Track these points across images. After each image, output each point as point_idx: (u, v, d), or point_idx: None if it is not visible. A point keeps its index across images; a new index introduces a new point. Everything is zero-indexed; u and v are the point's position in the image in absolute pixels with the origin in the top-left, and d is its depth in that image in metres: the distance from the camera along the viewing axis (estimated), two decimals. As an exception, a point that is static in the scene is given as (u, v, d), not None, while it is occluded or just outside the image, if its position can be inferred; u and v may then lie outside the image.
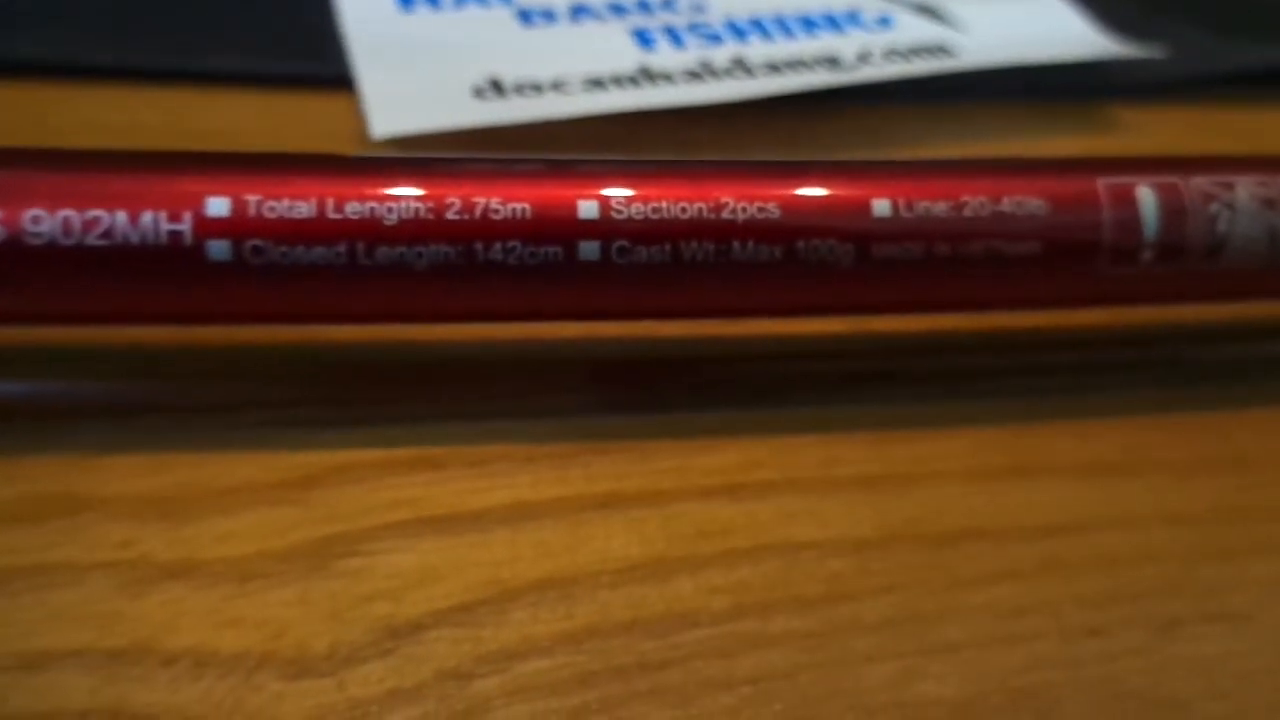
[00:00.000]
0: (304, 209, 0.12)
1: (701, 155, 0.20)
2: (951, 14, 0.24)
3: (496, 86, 0.20)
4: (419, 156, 0.14)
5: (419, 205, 0.13)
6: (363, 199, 0.12)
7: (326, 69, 0.21)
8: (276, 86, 0.20)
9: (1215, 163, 0.16)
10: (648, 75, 0.21)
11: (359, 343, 0.15)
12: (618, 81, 0.21)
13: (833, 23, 0.23)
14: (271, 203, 0.12)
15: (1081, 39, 0.23)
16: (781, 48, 0.22)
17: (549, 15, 0.23)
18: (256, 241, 0.12)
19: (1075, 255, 0.15)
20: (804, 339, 0.16)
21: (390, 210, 0.12)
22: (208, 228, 0.12)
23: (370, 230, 0.12)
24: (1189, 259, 0.15)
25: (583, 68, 0.21)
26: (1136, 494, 0.15)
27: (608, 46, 0.22)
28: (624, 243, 0.13)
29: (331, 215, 0.12)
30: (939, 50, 0.22)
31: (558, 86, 0.21)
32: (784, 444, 0.15)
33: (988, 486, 0.15)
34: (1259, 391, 0.17)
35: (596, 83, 0.21)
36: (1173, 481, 0.16)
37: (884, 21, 0.23)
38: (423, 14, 0.23)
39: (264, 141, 0.19)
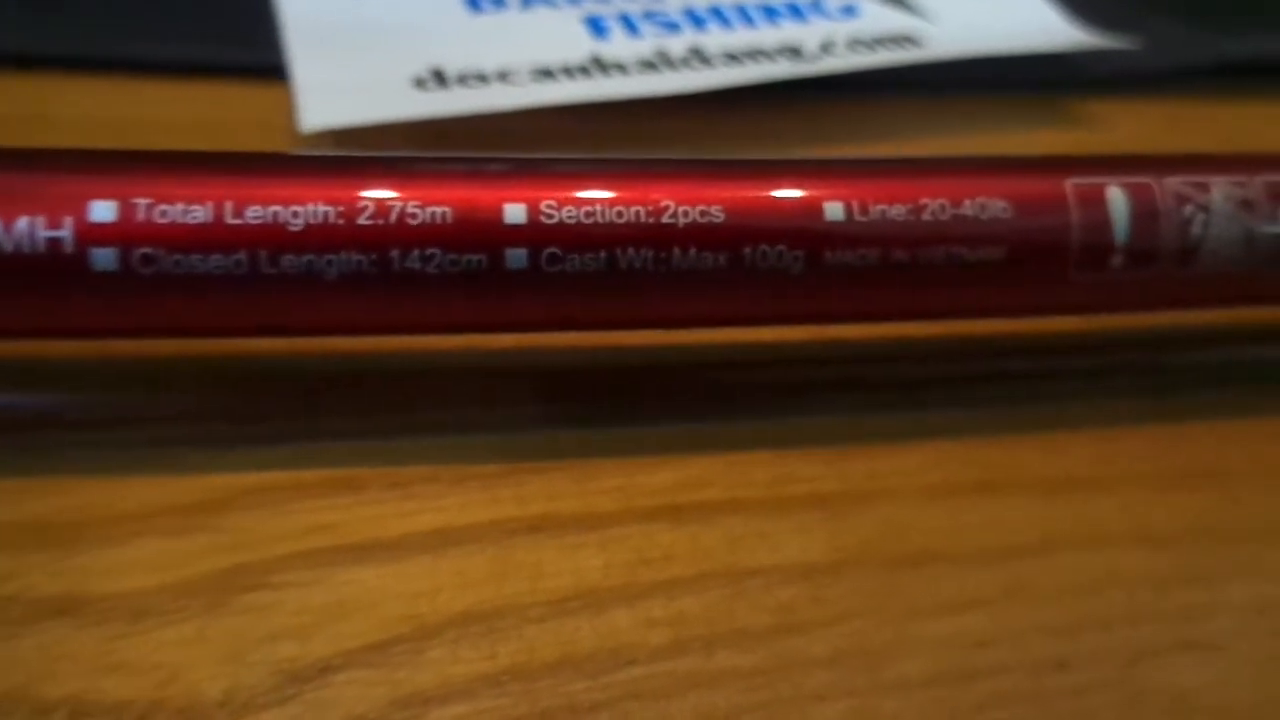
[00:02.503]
0: (199, 213, 0.11)
1: (656, 150, 0.19)
2: (919, 3, 0.23)
3: (439, 76, 0.19)
4: (329, 155, 0.12)
5: (328, 209, 0.12)
6: (265, 202, 0.11)
7: (261, 57, 0.19)
8: (209, 75, 0.19)
9: (1190, 162, 0.15)
10: (600, 65, 0.20)
11: (272, 352, 0.14)
12: (568, 72, 0.20)
13: (796, 11, 0.22)
14: (163, 206, 0.11)
15: (1053, 30, 0.22)
16: (741, 36, 0.21)
17: (499, 2, 0.22)
18: (146, 249, 0.11)
19: (1042, 260, 0.14)
20: (755, 346, 0.15)
21: (296, 215, 0.11)
22: (91, 234, 0.11)
23: (273, 237, 0.11)
24: (1162, 264, 0.14)
25: (531, 57, 0.20)
26: (1107, 512, 0.14)
27: (559, 35, 0.21)
28: (554, 250, 0.12)
29: (230, 220, 0.11)
30: (905, 40, 0.21)
31: (504, 77, 0.19)
32: (733, 460, 0.14)
33: (950, 504, 0.14)
34: (1236, 400, 0.16)
35: (545, 73, 0.20)
36: (1146, 497, 0.15)
37: (849, 10, 0.22)
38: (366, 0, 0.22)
39: (190, 134, 0.18)
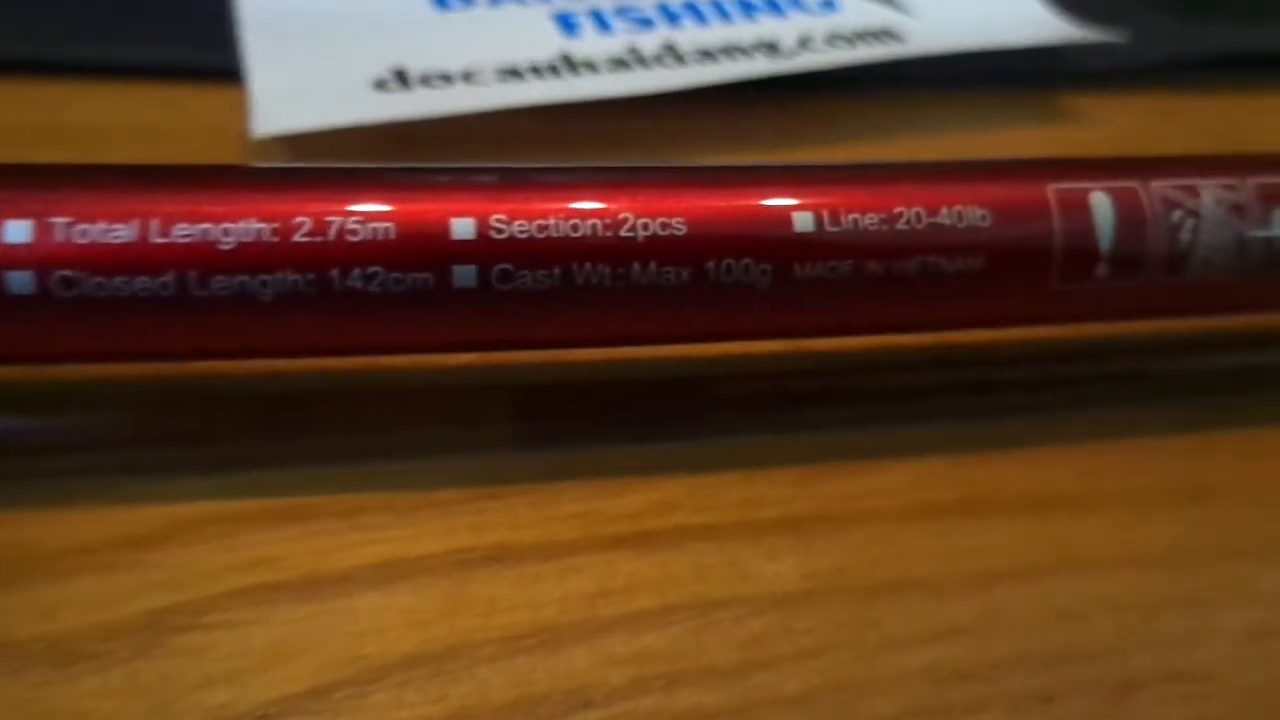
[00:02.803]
0: (123, 233, 0.11)
1: (627, 151, 0.19)
2: (899, -4, 0.22)
3: (400, 77, 0.19)
4: (264, 167, 0.12)
5: (261, 226, 0.11)
6: (194, 220, 0.11)
7: (216, 58, 0.19)
8: (159, 78, 0.19)
9: (1178, 164, 0.14)
10: (569, 64, 0.19)
11: (217, 372, 0.13)
12: (536, 71, 0.19)
13: (773, 5, 0.22)
14: (83, 225, 0.10)
15: (1038, 23, 0.21)
16: (716, 32, 0.21)
17: (466, -1, 0.21)
18: (66, 272, 0.10)
19: (1023, 270, 0.13)
20: (722, 359, 0.15)
21: (227, 233, 0.11)
22: (5, 257, 0.10)
23: (203, 257, 0.11)
24: (1149, 272, 0.13)
25: (498, 56, 0.19)
26: (1092, 532, 0.14)
27: (528, 33, 0.20)
28: (506, 266, 0.11)
29: (156, 239, 0.11)
30: (886, 35, 0.21)
31: (469, 77, 0.19)
32: (701, 482, 0.13)
33: (928, 526, 0.14)
34: (1228, 409, 0.16)
35: (512, 72, 0.19)
36: (1132, 516, 0.14)
37: (828, 4, 0.22)
38: (328, -3, 0.21)
39: (135, 141, 0.17)
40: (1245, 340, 0.17)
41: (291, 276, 0.11)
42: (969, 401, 0.15)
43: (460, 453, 0.13)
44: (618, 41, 0.20)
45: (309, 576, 0.12)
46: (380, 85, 0.18)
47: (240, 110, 0.17)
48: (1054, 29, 0.21)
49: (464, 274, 0.11)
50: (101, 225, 0.11)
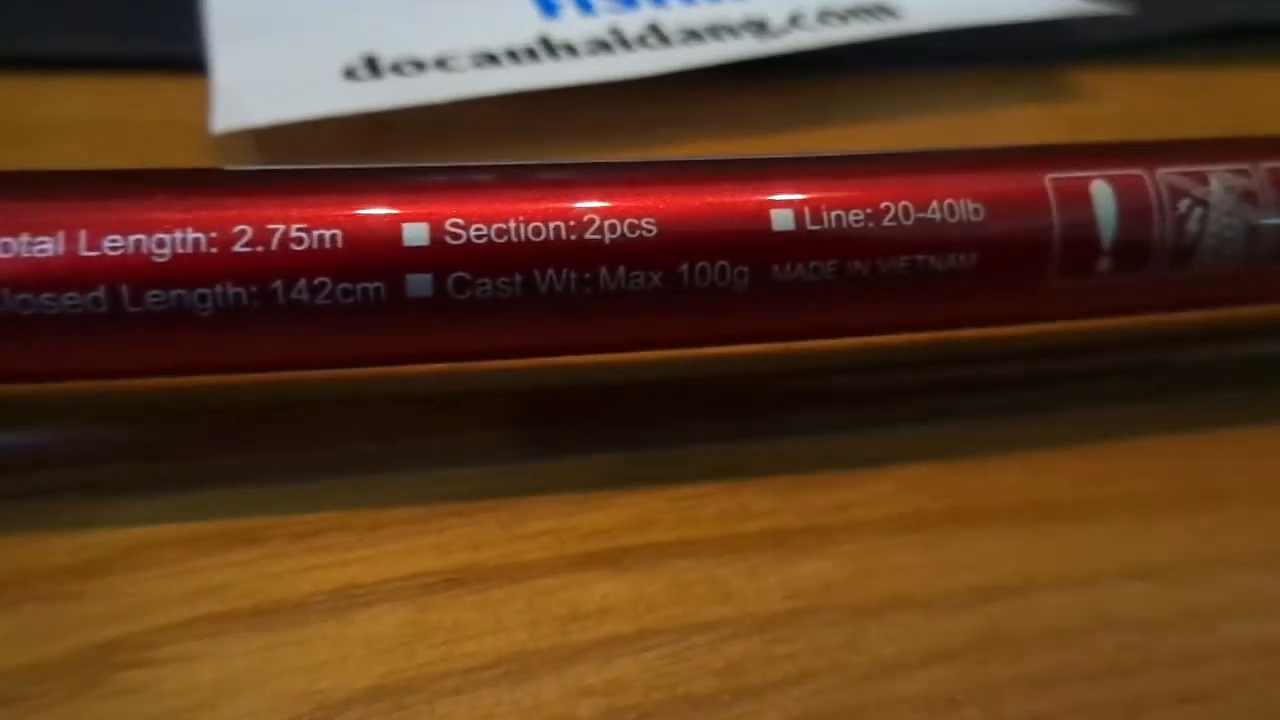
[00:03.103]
0: (48, 246, 0.10)
1: (612, 139, 0.18)
2: (895, -31, 0.21)
3: (371, 65, 0.18)
4: (201, 171, 0.11)
5: (199, 236, 0.10)
6: (125, 230, 0.10)
7: (185, 48, 0.18)
8: (121, 70, 0.18)
9: (1185, 148, 0.13)
10: (548, 47, 0.18)
11: (159, 385, 0.13)
12: (513, 55, 0.18)
13: (762, -19, 0.21)
14: (5, 239, 0.10)
15: (1039, -5, 0.20)
16: (703, 11, 0.20)
17: (444, -22, 0.20)
18: (-14, 289, 0.10)
19: (1019, 267, 0.12)
20: (699, 360, 0.14)
21: (161, 244, 0.10)
22: (-80, 274, 0.10)
23: (137, 270, 0.10)
24: (1154, 266, 0.13)
25: (474, 40, 0.19)
26: (1093, 541, 0.13)
27: (506, 14, 0.19)
28: (463, 274, 0.11)
29: (85, 253, 0.10)
30: (881, 10, 0.20)
31: (443, 63, 0.18)
32: (679, 495, 0.13)
33: (919, 538, 0.13)
34: (1236, 405, 0.15)
35: (489, 57, 0.18)
36: (1135, 524, 0.13)
37: (820, -22, 0.21)
38: (301, -20, 0.20)
39: (92, 136, 0.17)
40: (1255, 330, 0.16)
41: (232, 290, 0.10)
42: (962, 400, 0.15)
43: (424, 466, 0.13)
44: (599, 22, 0.19)
45: (261, 605, 0.11)
46: (350, 74, 0.18)
47: (204, 103, 0.17)
48: (1058, 2, 0.20)
49: (418, 283, 0.11)
50: (25, 238, 0.10)
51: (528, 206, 0.11)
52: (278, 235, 0.10)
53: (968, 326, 0.13)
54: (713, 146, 0.18)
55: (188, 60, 0.18)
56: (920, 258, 0.12)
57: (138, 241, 0.10)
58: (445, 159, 0.17)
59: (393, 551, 0.12)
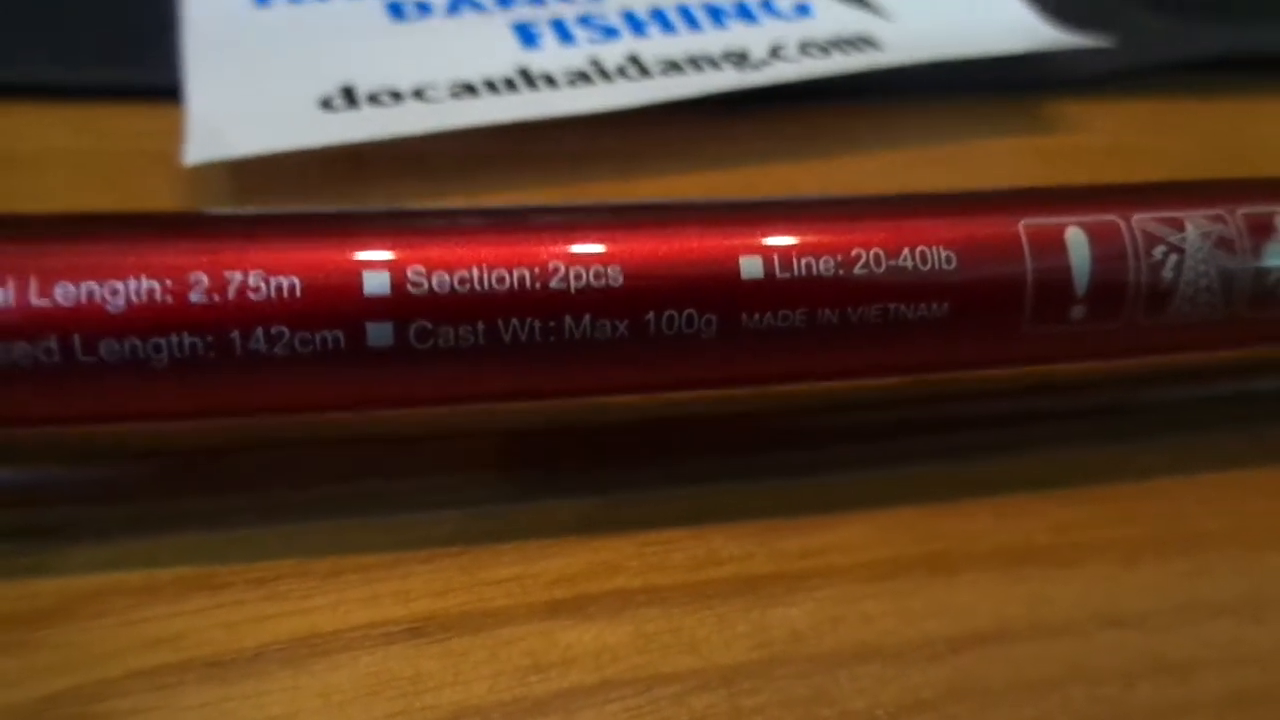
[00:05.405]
0: (-2, 295, 0.10)
1: (590, 171, 0.18)
2: (878, 0, 0.21)
3: (348, 95, 0.18)
4: (157, 214, 0.11)
5: (153, 285, 0.10)
6: (77, 278, 0.10)
7: (163, 75, 0.18)
8: (97, 99, 0.18)
9: (1161, 193, 0.13)
10: (527, 78, 0.18)
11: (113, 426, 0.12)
12: (491, 86, 0.18)
13: (745, 11, 0.21)
14: (-47, 289, 0.10)
15: (1023, 28, 0.20)
16: (684, 41, 0.20)
17: (424, 7, 0.20)
18: (-66, 340, 0.10)
19: (992, 315, 0.12)
20: (668, 402, 0.14)
21: (115, 293, 0.10)
22: None
23: (90, 320, 0.10)
24: (1129, 313, 0.13)
25: (452, 71, 0.18)
26: (1069, 589, 0.13)
27: (484, 44, 0.19)
28: (425, 323, 0.11)
29: (36, 301, 0.10)
30: (862, 42, 0.20)
31: (420, 94, 0.18)
32: (650, 539, 0.13)
33: (891, 585, 0.13)
34: (1218, 447, 0.15)
35: (467, 88, 0.18)
36: (1112, 571, 0.13)
37: (802, 9, 0.21)
38: (280, 9, 0.20)
39: (63, 167, 0.16)
40: (1232, 370, 0.16)
41: (189, 339, 0.10)
42: (938, 440, 0.15)
43: (388, 510, 0.12)
44: (578, 53, 0.19)
45: (216, 656, 0.11)
46: (326, 104, 0.17)
47: (178, 133, 0.16)
48: (1039, 35, 0.20)
49: (379, 332, 0.10)
50: (-27, 287, 0.10)
51: (491, 253, 0.11)
52: (234, 284, 0.10)
53: (939, 371, 0.13)
54: (693, 178, 0.18)
55: (164, 89, 0.18)
56: (892, 306, 0.12)
57: (90, 290, 0.10)
58: (423, 189, 0.17)
59: (354, 599, 0.12)
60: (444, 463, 0.13)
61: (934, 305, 0.12)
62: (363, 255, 0.10)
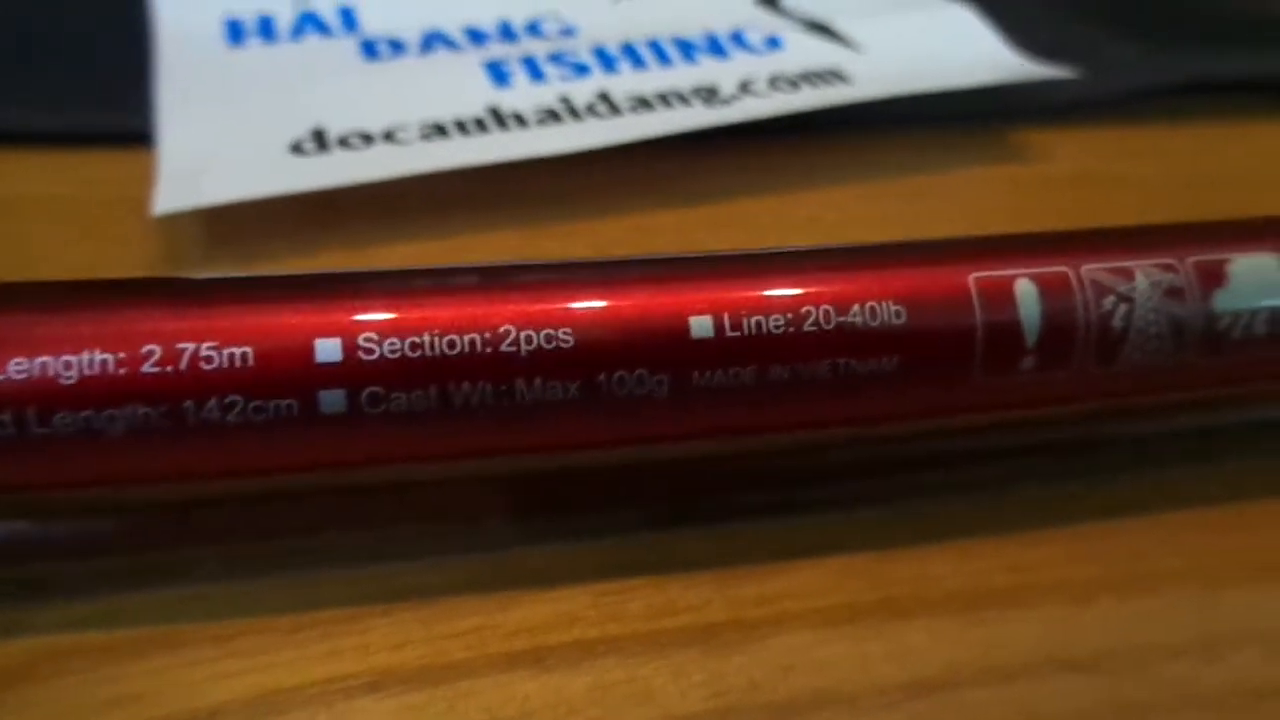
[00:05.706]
0: (-48, 371, 0.10)
1: (561, 210, 0.18)
2: (847, 32, 0.21)
3: (319, 139, 0.18)
4: (110, 282, 0.11)
5: (106, 358, 0.10)
6: (30, 354, 0.10)
7: (136, 121, 0.18)
8: (70, 145, 0.18)
9: (1110, 242, 0.13)
10: (497, 118, 0.19)
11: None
12: (461, 126, 0.18)
13: (715, 46, 0.21)
14: (-94, 365, 0.10)
15: (992, 61, 0.21)
16: (654, 78, 0.20)
17: (397, 46, 0.20)
18: (-112, 417, 0.10)
19: (942, 368, 0.12)
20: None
21: (68, 366, 0.10)
22: None
23: (42, 393, 0.10)
24: (1079, 363, 0.13)
25: (423, 111, 0.19)
26: (1024, 631, 0.13)
27: (455, 83, 0.19)
28: (377, 389, 0.11)
29: (-11, 377, 0.10)
30: (832, 76, 0.20)
31: (390, 136, 0.18)
32: (605, 589, 0.13)
33: (849, 631, 0.13)
34: (1174, 486, 0.15)
35: (438, 129, 0.18)
36: (1068, 612, 0.13)
37: (772, 42, 0.21)
38: (254, 50, 0.20)
39: (32, 214, 0.17)
40: (1194, 406, 0.16)
41: (142, 410, 0.10)
42: (894, 482, 0.15)
43: (348, 563, 0.13)
44: (549, 91, 0.19)
45: (173, 715, 0.11)
46: (297, 148, 0.18)
47: (149, 181, 0.17)
48: (1008, 68, 0.20)
49: (331, 399, 0.11)
50: (-73, 364, 0.10)
51: (443, 317, 0.11)
52: (187, 354, 0.10)
53: (891, 423, 0.13)
54: (663, 215, 0.18)
55: (138, 134, 0.18)
56: (842, 361, 0.12)
57: (43, 365, 0.10)
58: (395, 232, 0.17)
59: (314, 654, 0.12)
60: (402, 515, 0.13)
61: (884, 359, 0.12)
62: (314, 320, 0.11)
